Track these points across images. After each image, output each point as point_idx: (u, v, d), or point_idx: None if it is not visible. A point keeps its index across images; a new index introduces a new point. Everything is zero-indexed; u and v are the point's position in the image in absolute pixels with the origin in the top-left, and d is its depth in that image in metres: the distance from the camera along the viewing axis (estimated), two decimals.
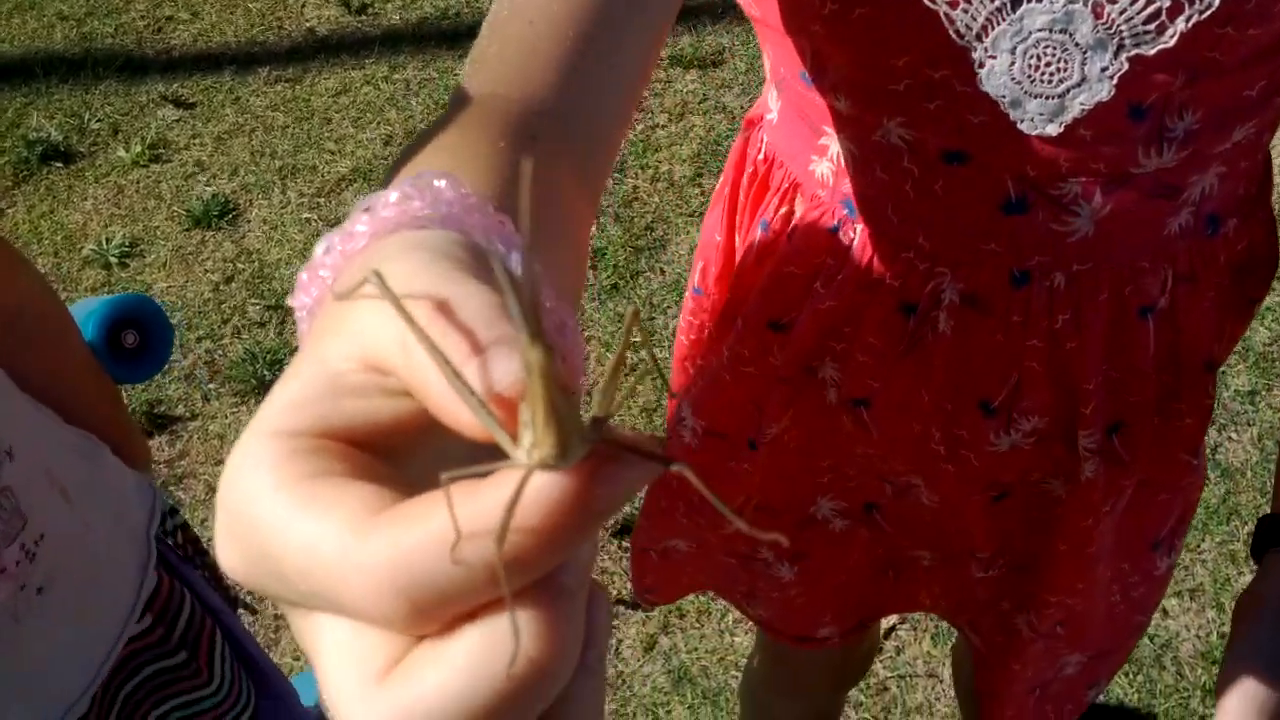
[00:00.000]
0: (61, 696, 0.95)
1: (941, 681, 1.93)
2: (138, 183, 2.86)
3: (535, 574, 0.25)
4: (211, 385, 2.43)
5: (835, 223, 0.86)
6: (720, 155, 2.79)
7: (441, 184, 0.35)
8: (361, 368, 0.29)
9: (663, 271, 2.57)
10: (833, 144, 0.83)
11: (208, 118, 3.02)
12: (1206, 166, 0.76)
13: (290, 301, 0.36)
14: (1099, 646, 1.09)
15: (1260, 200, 0.85)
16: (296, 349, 2.41)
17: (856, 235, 0.85)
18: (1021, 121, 0.72)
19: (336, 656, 0.26)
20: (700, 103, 2.93)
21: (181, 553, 1.15)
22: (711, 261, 1.02)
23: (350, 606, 0.25)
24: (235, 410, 2.39)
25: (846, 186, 0.84)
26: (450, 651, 0.25)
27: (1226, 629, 1.97)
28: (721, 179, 1.02)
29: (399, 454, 0.29)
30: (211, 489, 2.26)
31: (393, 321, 0.28)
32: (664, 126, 2.87)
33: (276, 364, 2.44)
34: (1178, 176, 0.76)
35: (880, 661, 1.96)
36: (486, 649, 0.25)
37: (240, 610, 1.24)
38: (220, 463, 2.30)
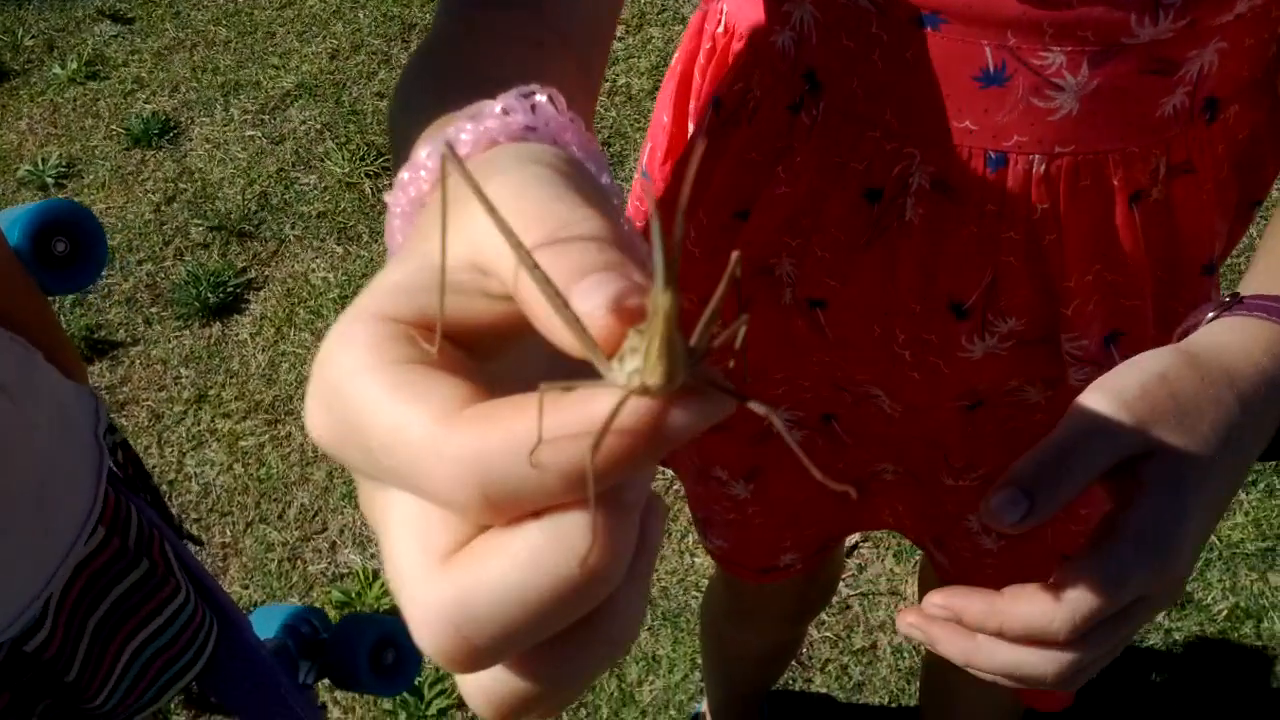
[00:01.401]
0: (14, 594, 0.92)
1: (905, 599, 1.90)
2: (74, 101, 2.76)
3: (608, 484, 0.26)
4: (153, 309, 2.35)
5: (796, 100, 0.79)
6: None
7: (543, 99, 0.36)
8: (467, 266, 0.30)
9: (621, 187, 2.49)
10: (796, 10, 0.76)
11: (147, 33, 2.90)
12: (1206, 41, 0.68)
13: (386, 198, 0.37)
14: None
15: (1266, 86, 0.78)
16: (241, 270, 2.34)
17: (819, 112, 0.78)
18: None
19: (404, 532, 0.28)
20: (659, 13, 2.84)
21: (123, 472, 1.11)
22: (658, 144, 0.96)
23: (427, 490, 0.27)
24: (178, 334, 2.31)
25: (809, 59, 0.77)
26: (514, 545, 0.26)
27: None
28: (675, 55, 0.94)
29: (489, 352, 0.31)
30: (155, 415, 2.19)
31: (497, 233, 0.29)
32: (621, 39, 2.78)
33: (220, 286, 2.35)
34: (1174, 50, 0.68)
35: (843, 580, 1.92)
36: (548, 547, 0.26)
37: (185, 541, 1.19)
38: (163, 389, 2.23)
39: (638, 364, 0.26)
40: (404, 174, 0.36)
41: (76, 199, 2.54)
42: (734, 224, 0.86)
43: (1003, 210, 0.75)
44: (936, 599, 0.57)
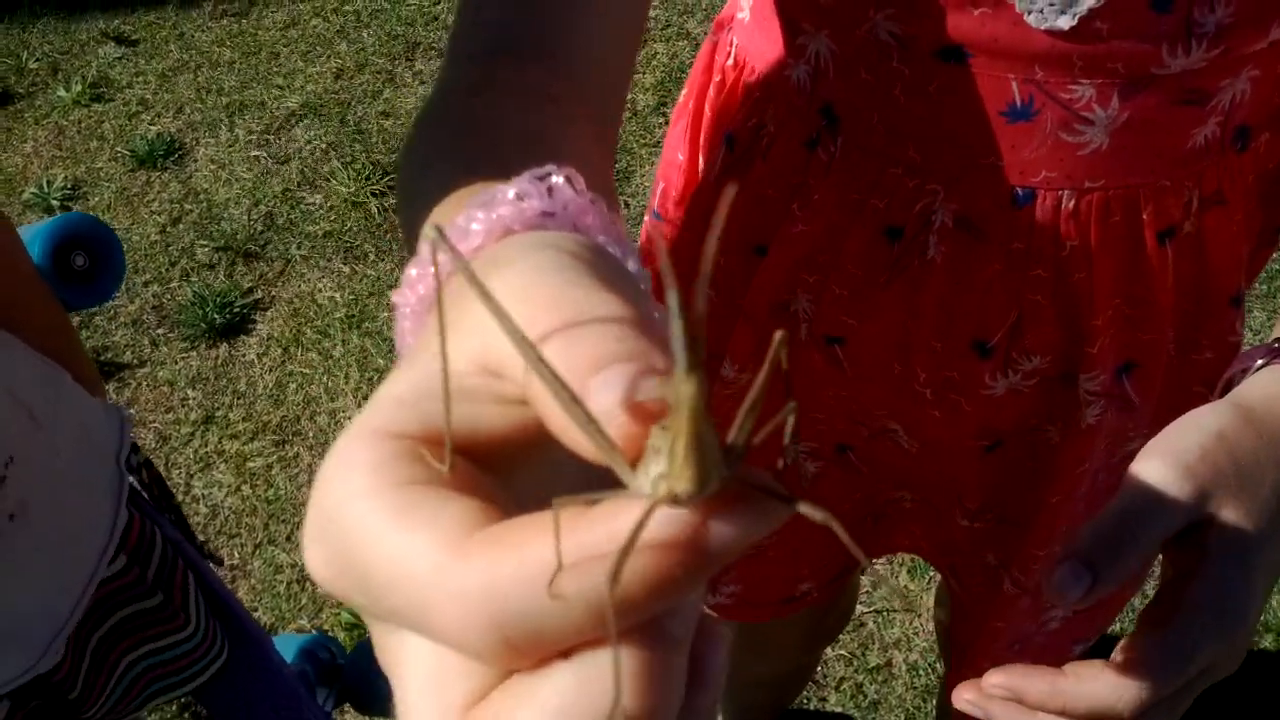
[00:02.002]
0: (40, 627, 0.92)
1: (919, 616, 1.88)
2: (79, 123, 2.75)
3: (642, 617, 0.23)
4: (160, 330, 2.34)
5: (813, 135, 0.76)
6: (683, 82, 2.70)
7: (560, 180, 0.33)
8: (477, 370, 0.27)
9: (627, 204, 2.49)
10: (812, 43, 0.73)
11: (151, 54, 2.90)
12: (1239, 69, 0.66)
13: (394, 297, 0.34)
14: None
15: None
16: (248, 291, 2.34)
17: (837, 148, 0.75)
18: (1029, 14, 0.63)
19: (418, 682, 0.25)
20: (663, 29, 2.84)
21: (148, 492, 1.10)
22: (672, 183, 0.93)
23: (438, 631, 0.23)
24: (184, 355, 2.30)
25: (826, 93, 0.74)
26: (542, 693, 0.23)
27: None
28: (685, 91, 0.92)
29: (507, 464, 0.27)
30: (162, 437, 2.18)
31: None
32: None
33: (226, 307, 2.35)
34: (1206, 80, 0.66)
35: (858, 598, 1.90)
36: (581, 693, 0.23)
37: (207, 561, 1.18)
38: (170, 410, 2.22)
39: (663, 468, 0.23)
40: (412, 270, 0.34)
41: None
42: (749, 261, 0.84)
43: (1030, 248, 0.73)
44: (996, 679, 0.55)
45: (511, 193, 0.33)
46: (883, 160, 0.74)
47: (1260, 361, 0.59)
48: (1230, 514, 0.51)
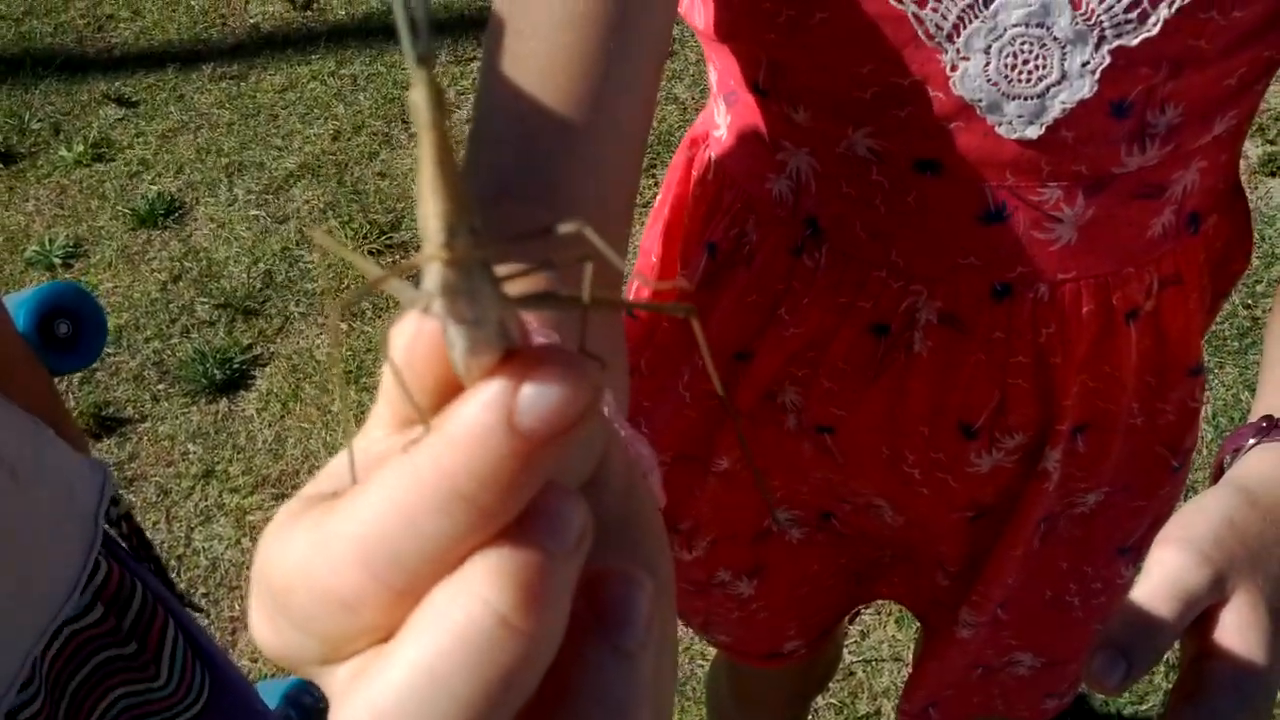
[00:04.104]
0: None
1: (907, 665, 1.93)
2: (81, 182, 2.81)
3: (494, 520, 0.23)
4: (161, 386, 2.38)
5: (798, 245, 0.80)
6: (671, 146, 2.77)
7: None
8: (391, 430, 0.28)
9: None
10: (792, 159, 0.77)
11: (151, 116, 2.97)
12: (1188, 162, 0.72)
13: None
14: (1053, 651, 1.05)
15: (1236, 192, 0.82)
16: (247, 347, 2.38)
17: (823, 257, 0.79)
18: (999, 125, 0.68)
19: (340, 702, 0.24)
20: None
21: (127, 543, 1.13)
22: (645, 285, 0.96)
23: (325, 612, 0.24)
24: (185, 411, 2.34)
25: (809, 205, 0.78)
26: (405, 638, 0.23)
27: None
28: (660, 195, 0.94)
29: None
30: (163, 490, 2.22)
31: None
32: None
33: (226, 363, 2.39)
34: (1160, 174, 0.72)
35: (846, 646, 1.95)
36: (438, 630, 0.22)
37: (189, 610, 1.21)
38: (171, 464, 2.26)
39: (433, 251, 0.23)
40: None
41: (84, 279, 2.58)
42: (731, 366, 0.87)
43: (1010, 337, 0.78)
44: None
45: None
46: (867, 265, 0.78)
47: (1251, 441, 0.62)
48: (1245, 594, 0.54)
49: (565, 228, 0.26)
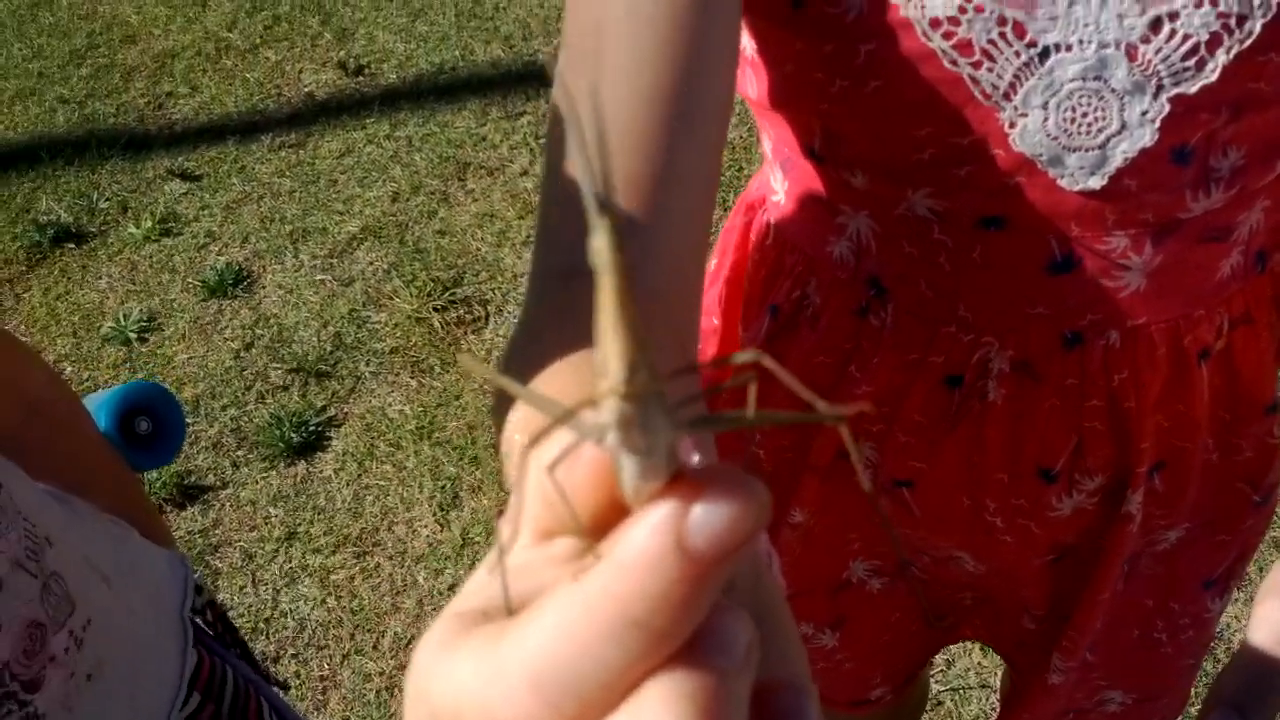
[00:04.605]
0: None
1: (995, 691, 1.92)
2: (150, 257, 2.88)
3: (666, 644, 0.23)
4: (240, 452, 2.44)
5: (862, 305, 0.80)
6: (724, 188, 2.80)
7: None
8: (533, 542, 0.28)
9: None
10: (852, 222, 0.77)
11: (215, 188, 3.04)
12: (1253, 202, 0.72)
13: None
14: (1144, 688, 1.03)
15: None
16: (321, 409, 2.43)
17: (889, 315, 0.79)
18: (1061, 178, 0.68)
19: None
20: None
21: (213, 630, 1.14)
22: (709, 345, 0.96)
23: None
24: (265, 475, 2.39)
25: (871, 266, 0.78)
26: None
27: None
28: (717, 259, 0.95)
29: None
30: (247, 555, 2.26)
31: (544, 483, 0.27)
32: None
33: (302, 426, 2.44)
34: (1226, 217, 0.72)
35: (933, 676, 1.94)
36: None
37: (275, 688, 1.23)
38: (254, 529, 2.30)
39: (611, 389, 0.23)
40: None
41: (159, 351, 2.65)
42: (804, 426, 0.87)
43: (1083, 383, 0.78)
44: None
45: None
46: (935, 322, 0.78)
47: None
48: None
49: (743, 357, 0.26)
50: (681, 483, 0.23)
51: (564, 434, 0.26)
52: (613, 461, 0.25)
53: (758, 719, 0.25)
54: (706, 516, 0.22)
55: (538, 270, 0.57)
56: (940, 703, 1.92)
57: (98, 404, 1.20)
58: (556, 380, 0.46)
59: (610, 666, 0.22)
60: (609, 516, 0.25)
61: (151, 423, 1.22)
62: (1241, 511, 0.91)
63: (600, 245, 0.22)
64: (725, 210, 2.60)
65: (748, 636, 0.23)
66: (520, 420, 0.46)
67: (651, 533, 0.22)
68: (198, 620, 1.10)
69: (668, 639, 0.22)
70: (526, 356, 0.51)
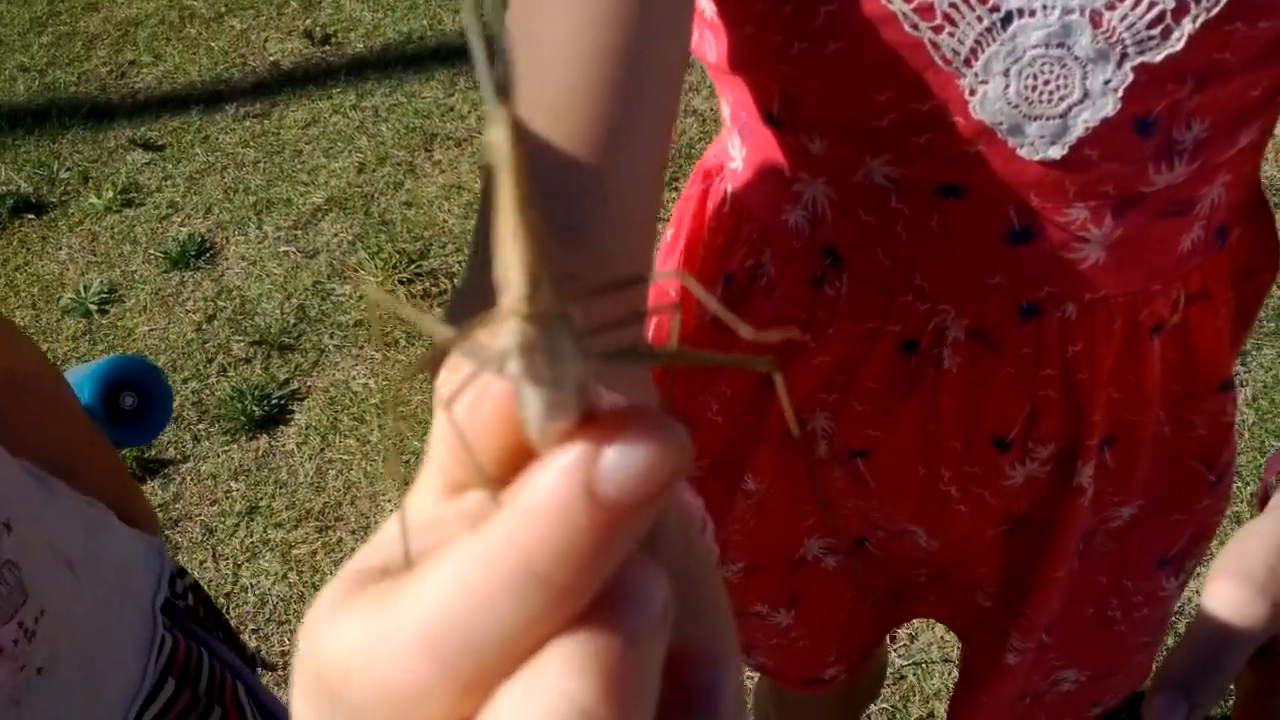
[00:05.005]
0: None
1: (956, 665, 1.92)
2: (112, 228, 2.84)
3: (573, 602, 0.21)
4: (201, 425, 2.41)
5: (817, 274, 0.79)
6: (692, 159, 2.78)
7: None
8: (441, 496, 0.26)
9: None
10: (808, 190, 0.76)
11: (178, 158, 3.00)
12: (1215, 176, 0.71)
13: None
14: (1098, 666, 1.03)
15: (1259, 202, 0.81)
16: (284, 383, 2.40)
17: (844, 285, 0.78)
18: (1021, 147, 0.67)
19: None
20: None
21: (195, 615, 1.12)
22: (665, 318, 0.94)
23: (384, 706, 0.21)
24: (226, 449, 2.36)
25: (826, 235, 0.77)
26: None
27: None
28: (671, 230, 0.93)
29: None
30: (208, 529, 2.24)
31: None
32: None
33: (264, 400, 2.41)
34: (1188, 190, 0.71)
35: (895, 650, 1.94)
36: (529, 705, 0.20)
37: (259, 670, 1.21)
38: (215, 503, 2.28)
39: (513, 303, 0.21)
40: None
41: (119, 324, 2.62)
42: (759, 392, 0.86)
43: (1038, 352, 0.77)
44: None
45: None
46: (892, 290, 0.77)
47: None
48: None
49: (663, 277, 0.25)
50: (594, 423, 0.21)
51: (467, 366, 0.23)
52: (516, 396, 0.22)
53: (670, 689, 0.24)
54: (620, 460, 0.20)
55: (482, 236, 0.55)
56: (903, 677, 1.92)
57: (81, 378, 1.18)
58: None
59: (510, 624, 0.20)
60: (517, 462, 0.22)
61: (137, 398, 1.20)
62: (1196, 490, 0.90)
63: (498, 138, 0.20)
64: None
65: (663, 595, 0.21)
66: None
67: (558, 476, 0.20)
68: (179, 604, 1.07)
69: (573, 594, 0.20)
70: (468, 308, 0.50)
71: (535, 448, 0.22)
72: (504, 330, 0.21)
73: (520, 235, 0.20)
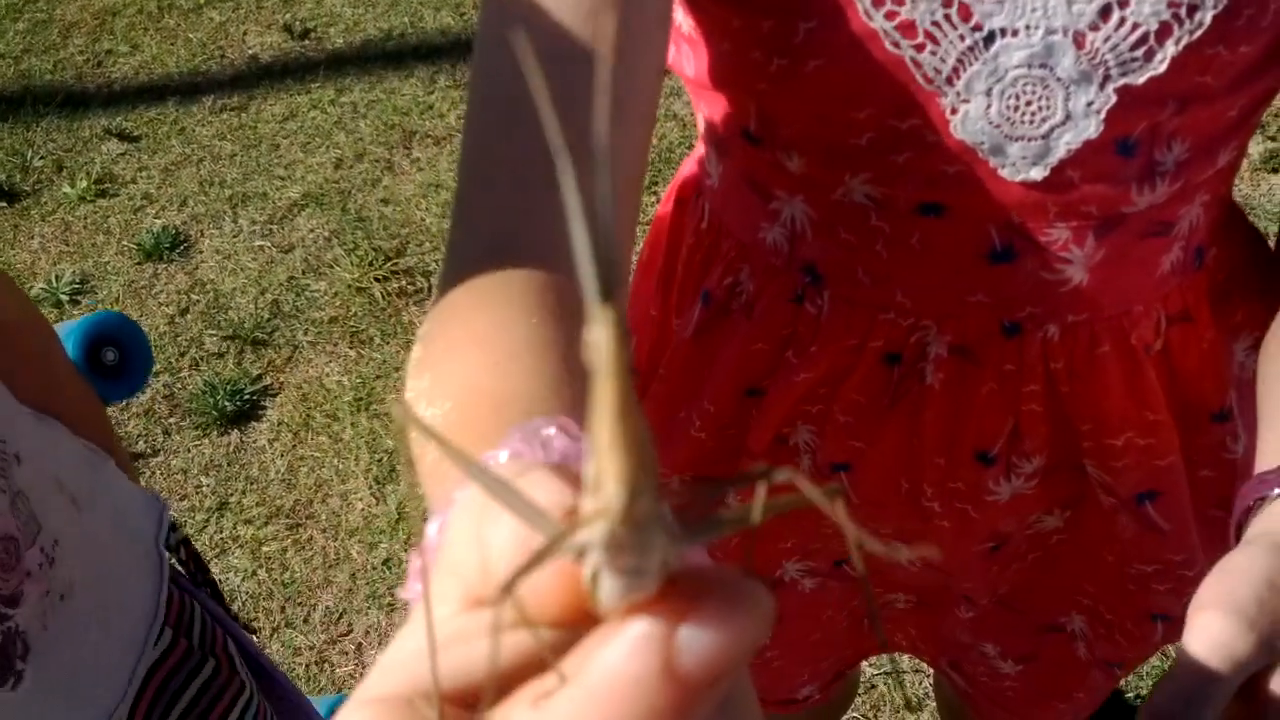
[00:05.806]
0: (96, 707, 0.93)
1: (929, 676, 1.92)
2: (85, 218, 2.82)
3: None
4: (172, 419, 2.39)
5: (798, 293, 0.78)
6: (673, 164, 2.78)
7: (551, 432, 0.33)
8: (462, 608, 0.25)
9: None
10: (786, 208, 0.75)
11: (153, 150, 2.98)
12: (1194, 196, 0.71)
13: (401, 594, 0.31)
14: (1043, 684, 1.04)
15: (1235, 221, 0.80)
16: (257, 378, 2.39)
17: (825, 303, 0.78)
18: (1003, 168, 0.67)
19: None
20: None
21: (185, 569, 1.14)
22: (646, 337, 0.94)
23: None
24: (197, 443, 2.34)
25: (806, 253, 0.76)
26: None
27: None
28: (647, 249, 0.92)
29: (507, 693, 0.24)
30: (174, 525, 2.22)
31: (479, 544, 0.24)
32: None
33: (236, 394, 2.40)
34: (1169, 211, 0.70)
35: (867, 659, 1.94)
36: None
37: (243, 630, 1.22)
38: (185, 498, 2.26)
39: (599, 510, 0.20)
40: (414, 560, 0.32)
41: None
42: (742, 403, 0.85)
43: (1021, 369, 0.76)
44: None
45: (505, 454, 0.32)
46: (873, 308, 0.76)
47: (1277, 491, 0.60)
48: None
49: (780, 477, 0.23)
50: (671, 591, 0.20)
51: (510, 497, 0.22)
52: (586, 575, 0.21)
53: None
54: (701, 637, 0.19)
55: (455, 251, 0.55)
56: (874, 686, 1.92)
57: (64, 334, 1.19)
58: (466, 361, 0.44)
59: None
60: (569, 610, 0.21)
61: (118, 353, 1.21)
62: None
63: (600, 340, 0.18)
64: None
65: None
66: (425, 390, 0.44)
67: (631, 656, 0.19)
68: (171, 559, 1.08)
69: None
70: (448, 338, 0.49)
71: (598, 611, 0.21)
72: (592, 529, 0.20)
73: (621, 444, 0.19)
